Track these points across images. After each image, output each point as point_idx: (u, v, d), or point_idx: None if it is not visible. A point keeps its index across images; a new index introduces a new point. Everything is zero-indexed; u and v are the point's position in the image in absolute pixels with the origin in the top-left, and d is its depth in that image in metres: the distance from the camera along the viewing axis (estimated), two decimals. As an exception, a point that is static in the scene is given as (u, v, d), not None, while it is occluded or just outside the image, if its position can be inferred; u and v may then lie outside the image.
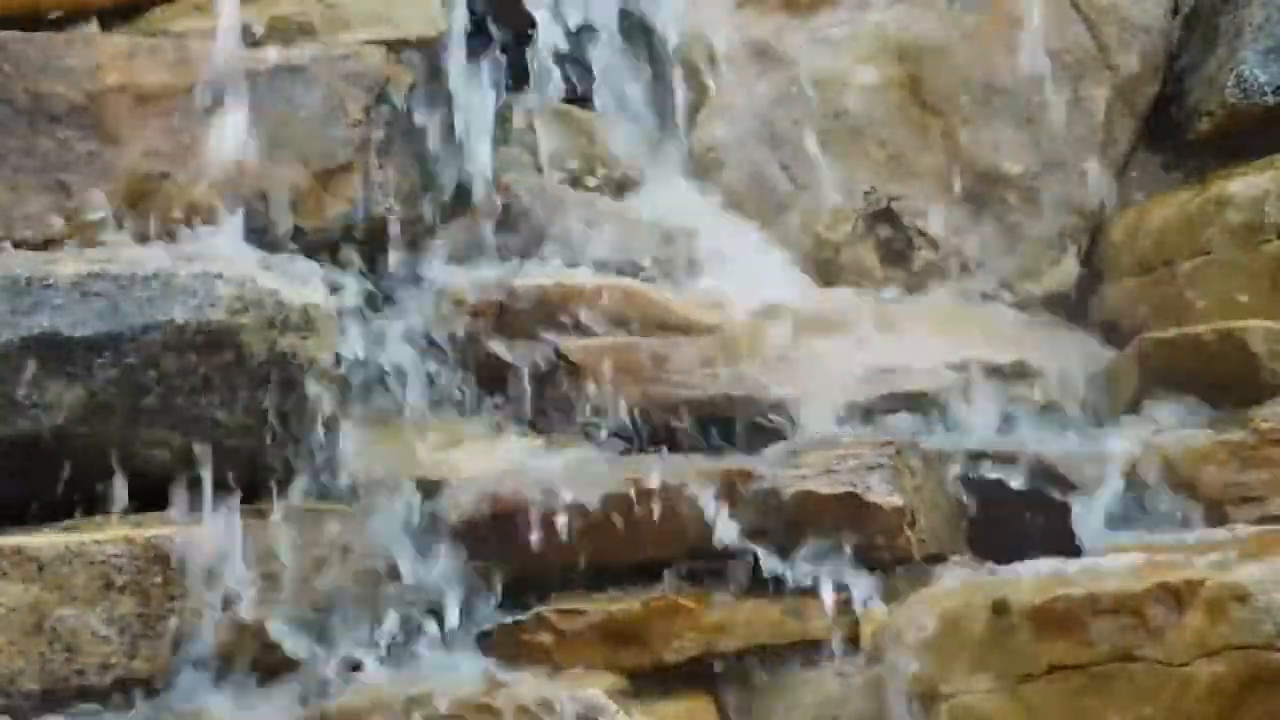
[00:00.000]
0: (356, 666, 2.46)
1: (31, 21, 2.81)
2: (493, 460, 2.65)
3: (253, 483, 2.53)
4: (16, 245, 2.66)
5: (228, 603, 2.44)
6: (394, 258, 2.79)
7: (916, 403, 2.72)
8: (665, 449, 2.66)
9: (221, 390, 2.51)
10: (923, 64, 3.03)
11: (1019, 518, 2.56)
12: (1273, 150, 2.85)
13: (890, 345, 2.81)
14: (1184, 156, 3.05)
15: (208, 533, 2.46)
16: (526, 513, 2.50)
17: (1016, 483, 2.56)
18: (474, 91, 2.94)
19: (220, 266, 2.56)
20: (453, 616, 2.50)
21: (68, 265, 2.55)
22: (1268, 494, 2.49)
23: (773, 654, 2.47)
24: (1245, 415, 2.57)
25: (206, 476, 2.51)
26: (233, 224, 2.69)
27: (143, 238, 2.70)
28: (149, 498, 2.52)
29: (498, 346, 2.73)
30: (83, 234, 2.70)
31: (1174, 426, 2.65)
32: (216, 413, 2.51)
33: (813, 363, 2.74)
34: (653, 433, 2.68)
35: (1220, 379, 2.66)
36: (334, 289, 2.67)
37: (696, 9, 3.08)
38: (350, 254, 2.76)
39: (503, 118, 2.98)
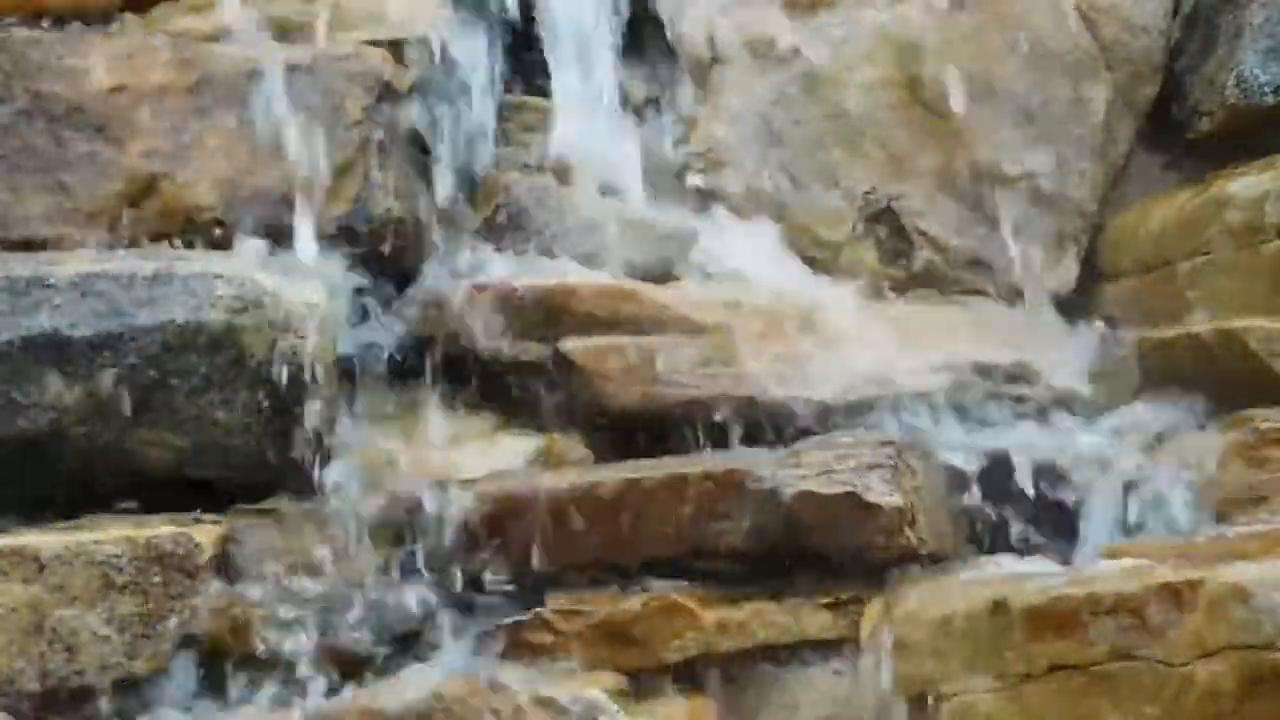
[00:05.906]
0: (359, 665, 2.47)
1: (32, 21, 2.81)
2: (493, 460, 2.66)
3: (253, 482, 2.54)
4: (16, 245, 2.66)
5: (228, 603, 2.44)
6: (393, 257, 2.79)
7: (916, 403, 2.72)
8: (665, 449, 2.66)
9: (221, 390, 2.51)
10: (923, 64, 3.03)
11: (1018, 518, 2.56)
12: (1273, 150, 2.85)
13: (890, 345, 2.81)
14: (1184, 156, 3.05)
15: (208, 532, 2.47)
16: (526, 512, 2.50)
17: (1016, 483, 2.56)
18: (473, 91, 2.94)
19: (220, 266, 2.56)
20: (453, 616, 2.50)
21: (68, 265, 2.55)
22: (1268, 494, 2.49)
23: (772, 654, 2.47)
24: (1245, 415, 2.57)
25: (206, 476, 2.51)
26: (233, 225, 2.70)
27: (143, 237, 2.70)
28: (149, 497, 2.52)
29: (498, 346, 2.73)
30: (83, 234, 2.70)
31: (1174, 426, 2.65)
32: (216, 413, 2.51)
33: (813, 363, 2.74)
34: (653, 433, 2.68)
35: (1220, 379, 2.66)
36: (334, 289, 2.67)
37: (697, 8, 3.08)
38: (350, 254, 2.76)
39: (502, 117, 2.98)
